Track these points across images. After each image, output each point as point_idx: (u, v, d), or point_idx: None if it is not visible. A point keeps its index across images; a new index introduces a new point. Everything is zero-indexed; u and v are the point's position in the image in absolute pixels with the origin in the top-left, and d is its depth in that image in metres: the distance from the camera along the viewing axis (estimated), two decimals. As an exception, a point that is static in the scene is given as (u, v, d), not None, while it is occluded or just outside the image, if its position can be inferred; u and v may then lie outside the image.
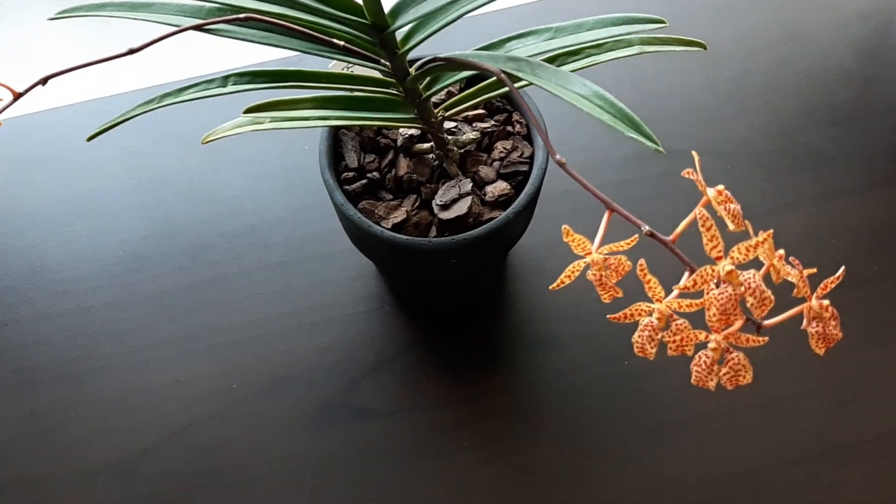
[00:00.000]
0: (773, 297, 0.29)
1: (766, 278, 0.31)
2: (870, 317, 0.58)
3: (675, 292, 0.30)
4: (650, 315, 0.30)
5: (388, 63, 0.42)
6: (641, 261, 0.30)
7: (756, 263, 0.31)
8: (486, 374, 0.57)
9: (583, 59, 0.42)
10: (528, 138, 0.52)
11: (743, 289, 0.28)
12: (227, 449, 0.54)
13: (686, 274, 0.30)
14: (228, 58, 0.66)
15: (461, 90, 0.51)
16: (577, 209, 0.56)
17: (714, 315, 0.29)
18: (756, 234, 0.30)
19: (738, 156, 0.64)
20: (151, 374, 0.57)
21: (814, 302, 0.30)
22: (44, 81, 0.40)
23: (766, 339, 0.30)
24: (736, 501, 0.52)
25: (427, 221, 0.49)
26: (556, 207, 0.60)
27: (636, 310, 0.31)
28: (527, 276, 0.60)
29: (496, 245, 0.50)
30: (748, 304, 0.28)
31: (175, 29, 0.41)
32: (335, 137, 0.51)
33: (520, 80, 0.37)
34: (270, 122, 0.45)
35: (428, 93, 0.44)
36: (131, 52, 0.40)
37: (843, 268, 0.31)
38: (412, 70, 0.42)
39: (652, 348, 0.30)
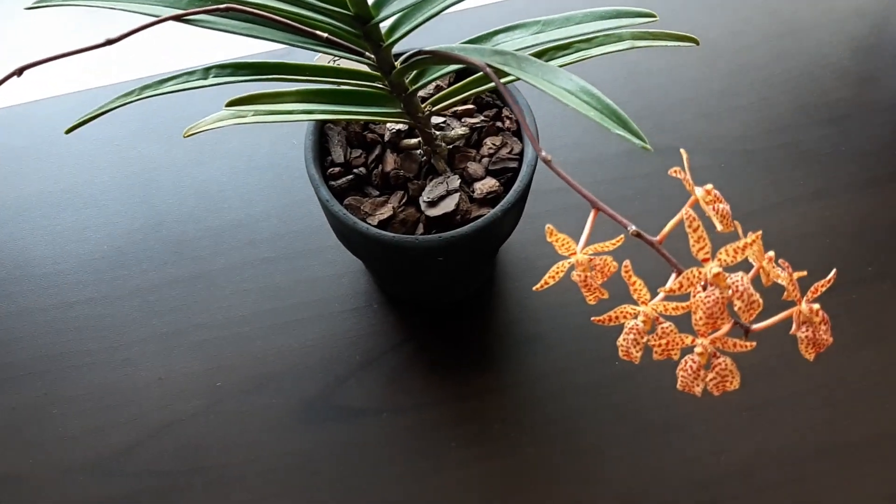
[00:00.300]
0: (761, 300, 0.28)
1: (756, 281, 0.30)
2: (863, 317, 0.57)
3: (661, 295, 0.29)
4: (635, 318, 0.29)
5: (372, 56, 0.41)
6: (626, 262, 0.29)
7: (745, 265, 0.30)
8: (474, 374, 0.56)
9: (572, 53, 0.41)
10: (518, 134, 0.51)
11: (730, 292, 0.27)
12: (210, 448, 0.54)
13: (673, 276, 0.29)
14: (218, 52, 0.65)
15: (450, 84, 0.50)
16: (569, 206, 0.55)
17: (700, 319, 0.28)
18: (745, 235, 0.29)
19: (732, 153, 0.63)
20: (134, 371, 0.56)
21: (804, 306, 0.29)
22: (19, 72, 0.39)
23: (754, 344, 0.29)
24: (725, 503, 0.51)
25: (414, 218, 0.48)
26: (548, 205, 0.59)
27: (621, 312, 0.30)
28: (517, 275, 0.60)
29: (484, 243, 0.49)
30: (736, 308, 0.28)
31: (155, 19, 0.40)
32: (321, 132, 0.50)
33: (506, 74, 0.36)
34: (253, 115, 0.44)
35: (414, 87, 0.43)
36: (109, 42, 0.39)
37: (834, 271, 0.30)
38: (397, 63, 0.41)
39: (637, 352, 0.29)
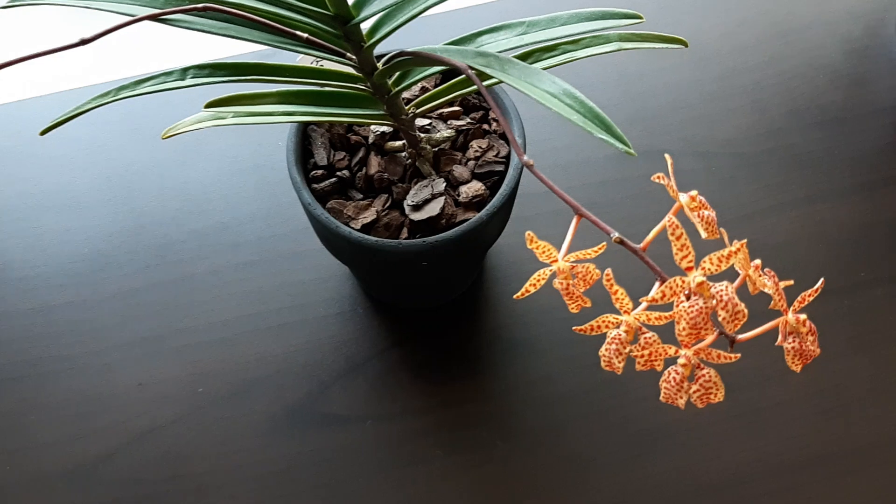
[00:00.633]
0: (746, 310, 0.27)
1: (744, 289, 0.29)
2: (856, 323, 0.56)
3: (644, 304, 0.28)
4: (618, 328, 0.29)
5: (354, 57, 0.40)
6: (608, 270, 0.28)
7: (732, 274, 0.29)
8: (461, 380, 0.55)
9: (559, 55, 0.41)
10: (505, 137, 0.50)
11: (714, 301, 0.26)
12: (190, 455, 0.53)
13: (657, 284, 0.28)
14: (204, 55, 0.64)
15: (437, 86, 0.50)
16: (559, 210, 0.54)
17: (684, 329, 0.27)
18: (731, 243, 0.28)
19: (723, 156, 0.62)
20: (114, 377, 0.55)
21: (790, 316, 0.28)
22: (-10, 72, 0.38)
23: (739, 355, 0.28)
24: (715, 514, 0.50)
25: (398, 222, 0.47)
26: (537, 208, 0.58)
27: (603, 322, 0.29)
28: (505, 279, 0.59)
29: (469, 247, 0.48)
30: (720, 318, 0.27)
31: (130, 18, 0.39)
32: (304, 134, 0.49)
33: (489, 76, 0.35)
34: (233, 116, 0.43)
35: (397, 88, 0.42)
36: (83, 42, 0.38)
37: (821, 280, 0.29)
38: (380, 64, 0.40)
39: (619, 363, 0.29)
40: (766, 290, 0.28)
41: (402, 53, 0.38)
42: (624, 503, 0.51)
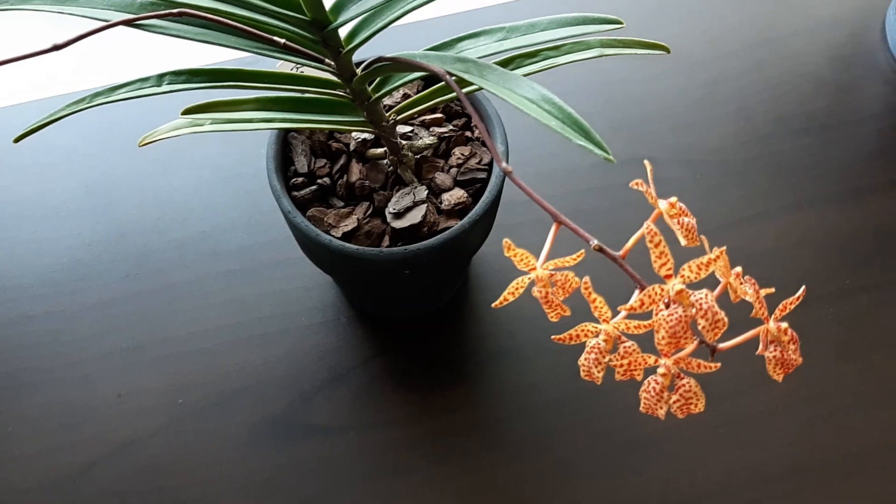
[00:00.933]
0: (727, 319, 0.26)
1: (725, 298, 0.29)
2: (841, 330, 0.56)
3: (623, 313, 0.28)
4: (597, 336, 0.28)
5: (332, 63, 0.39)
6: (586, 279, 0.28)
7: (713, 282, 0.29)
8: (445, 390, 0.54)
9: (540, 61, 0.40)
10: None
11: (694, 310, 0.26)
12: (171, 467, 0.52)
13: (636, 292, 0.28)
14: (186, 63, 0.63)
15: (418, 93, 0.49)
16: (543, 218, 0.53)
17: (663, 338, 0.26)
18: (711, 250, 0.27)
19: (709, 164, 0.62)
20: (93, 388, 0.54)
21: (771, 324, 0.28)
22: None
23: (719, 364, 0.27)
24: (701, 524, 0.50)
25: (379, 230, 0.47)
26: (521, 216, 0.58)
27: (582, 330, 0.28)
28: (490, 288, 0.58)
29: (452, 256, 0.48)
30: (700, 327, 0.26)
31: (104, 24, 0.38)
32: (284, 141, 0.48)
33: (469, 82, 0.35)
34: (211, 123, 0.42)
35: (377, 95, 0.41)
36: (56, 48, 0.38)
37: (803, 287, 0.29)
38: (359, 70, 0.40)
39: (599, 372, 0.28)
40: (746, 299, 0.28)
41: (380, 59, 0.37)
42: (610, 514, 0.50)
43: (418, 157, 0.48)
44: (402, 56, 0.36)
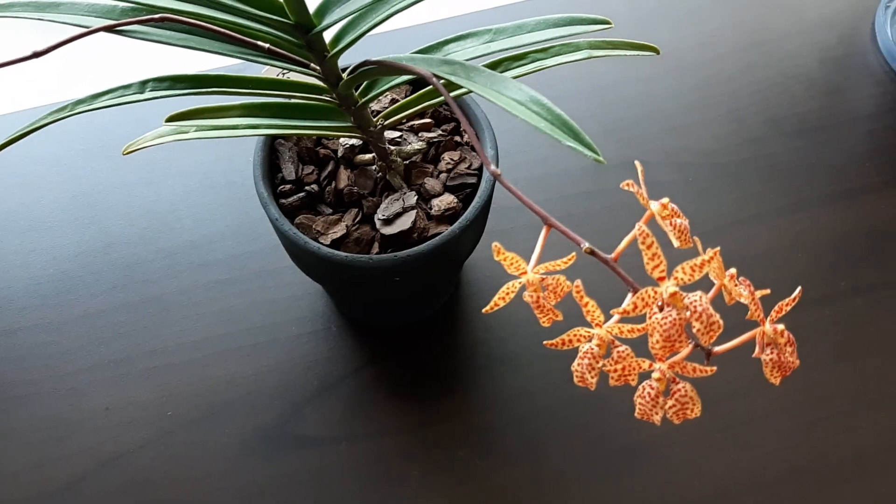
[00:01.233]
0: (721, 321, 0.26)
1: (720, 300, 0.28)
2: (838, 333, 0.55)
3: (616, 317, 0.27)
4: (590, 341, 0.27)
5: (318, 67, 0.39)
6: (577, 282, 0.27)
7: (707, 284, 0.28)
8: (438, 399, 0.53)
9: (528, 63, 0.40)
10: (478, 148, 0.49)
11: (688, 313, 0.25)
12: (159, 481, 0.51)
13: (629, 295, 0.27)
14: (169, 70, 0.63)
15: (407, 97, 0.49)
16: (535, 223, 0.53)
17: (657, 342, 0.26)
18: (704, 252, 0.27)
19: (700, 167, 0.61)
20: (80, 401, 0.53)
21: (767, 327, 0.27)
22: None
23: (715, 368, 0.27)
24: (699, 531, 0.49)
25: (369, 237, 0.46)
26: (513, 221, 0.57)
27: (574, 335, 0.28)
28: (482, 294, 0.58)
29: (443, 262, 0.47)
30: (694, 330, 0.26)
31: (85, 30, 0.38)
32: (271, 148, 0.48)
33: (456, 85, 0.34)
34: (196, 130, 0.41)
35: (364, 99, 0.41)
36: (36, 55, 0.37)
37: (798, 289, 0.28)
38: (345, 75, 0.39)
39: (592, 378, 0.27)
40: (741, 300, 0.27)
41: (366, 63, 0.37)
42: (606, 522, 0.50)
43: (407, 162, 0.48)
44: (388, 59, 0.35)
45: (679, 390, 0.27)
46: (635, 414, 0.28)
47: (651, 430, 0.52)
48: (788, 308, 0.28)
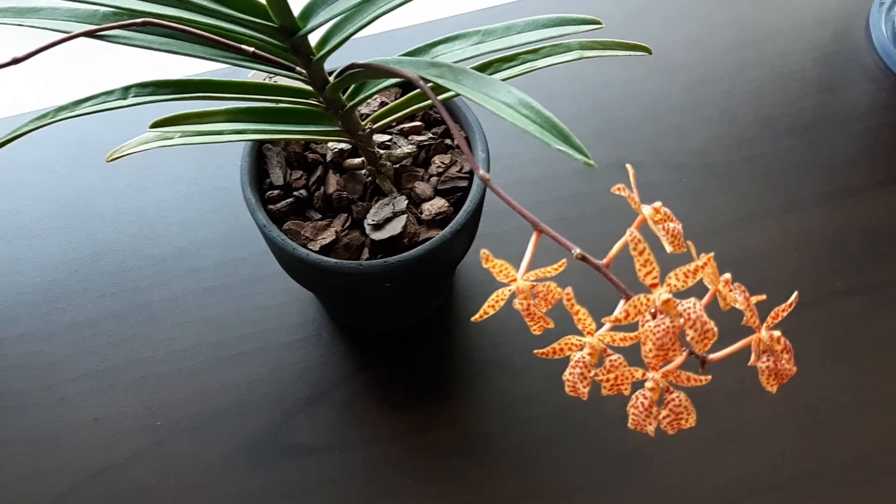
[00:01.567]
0: (716, 328, 0.25)
1: (715, 306, 0.28)
2: (834, 334, 0.55)
3: (607, 325, 0.26)
4: (581, 350, 0.27)
5: (304, 71, 0.38)
6: (568, 289, 0.27)
7: (701, 290, 0.27)
8: (431, 405, 0.53)
9: (519, 65, 0.39)
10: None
11: (682, 320, 0.25)
12: (149, 492, 0.50)
13: (621, 302, 0.27)
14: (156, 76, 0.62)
15: (397, 100, 0.48)
16: (528, 225, 0.52)
17: (650, 350, 0.25)
18: (698, 256, 0.26)
19: (694, 167, 0.61)
20: (68, 412, 0.53)
21: (763, 333, 0.26)
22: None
23: (710, 377, 0.26)
24: (697, 537, 0.49)
25: (358, 243, 0.45)
26: (506, 224, 0.57)
27: (566, 344, 0.27)
28: (475, 298, 0.57)
29: (434, 267, 0.46)
30: (688, 338, 0.25)
31: (65, 35, 0.37)
32: (259, 153, 0.47)
33: (445, 88, 0.34)
34: (181, 136, 0.41)
35: (351, 103, 0.40)
36: (16, 61, 0.36)
37: (795, 294, 0.27)
38: (331, 78, 0.39)
39: (584, 387, 0.27)
40: (737, 306, 0.27)
41: (353, 66, 0.36)
42: (602, 528, 0.49)
43: (397, 166, 0.47)
44: (375, 62, 0.35)
45: (673, 400, 0.26)
46: (629, 424, 0.27)
47: (645, 437, 0.51)
48: (785, 314, 0.27)
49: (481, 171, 0.30)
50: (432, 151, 0.48)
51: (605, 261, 0.27)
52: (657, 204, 0.27)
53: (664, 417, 0.26)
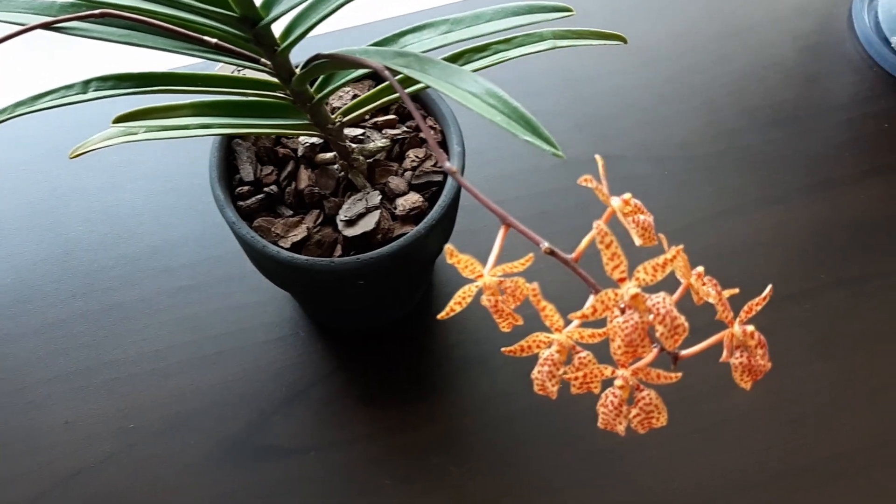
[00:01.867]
0: (687, 324, 0.24)
1: (688, 300, 0.27)
2: (818, 328, 0.54)
3: (576, 322, 0.25)
4: (549, 347, 0.26)
5: (268, 62, 0.37)
6: (534, 285, 0.26)
7: (673, 283, 0.26)
8: (410, 404, 0.52)
9: (490, 55, 0.38)
10: (444, 145, 0.47)
11: (651, 316, 0.24)
12: (122, 497, 0.49)
13: (590, 298, 0.26)
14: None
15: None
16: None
17: (619, 347, 0.24)
18: (670, 249, 0.25)
19: (676, 160, 0.60)
20: (38, 415, 0.51)
21: (736, 328, 0.25)
22: None
23: (680, 375, 0.25)
24: (680, 535, 0.48)
25: (331, 239, 0.44)
26: (483, 220, 0.56)
27: (534, 341, 0.26)
28: (454, 294, 0.56)
29: (408, 263, 0.45)
30: (658, 334, 0.24)
31: (21, 28, 0.36)
32: (228, 148, 0.46)
33: (412, 79, 0.33)
34: (145, 132, 0.40)
35: (319, 95, 0.39)
36: (-30, 55, 0.35)
37: (769, 287, 0.27)
38: (297, 70, 0.37)
39: (553, 386, 0.26)
40: (709, 300, 0.26)
41: (318, 56, 0.35)
42: (584, 528, 0.48)
43: (370, 160, 0.46)
44: (341, 52, 0.34)
45: (644, 398, 0.25)
46: (598, 424, 0.26)
47: (628, 432, 0.50)
48: (759, 308, 0.26)
49: (447, 164, 0.29)
50: (406, 145, 0.47)
51: (573, 255, 0.27)
52: (627, 195, 0.27)
53: (634, 416, 0.25)
